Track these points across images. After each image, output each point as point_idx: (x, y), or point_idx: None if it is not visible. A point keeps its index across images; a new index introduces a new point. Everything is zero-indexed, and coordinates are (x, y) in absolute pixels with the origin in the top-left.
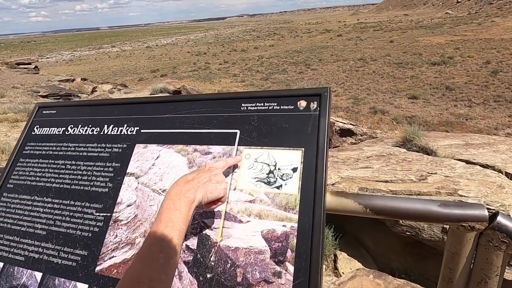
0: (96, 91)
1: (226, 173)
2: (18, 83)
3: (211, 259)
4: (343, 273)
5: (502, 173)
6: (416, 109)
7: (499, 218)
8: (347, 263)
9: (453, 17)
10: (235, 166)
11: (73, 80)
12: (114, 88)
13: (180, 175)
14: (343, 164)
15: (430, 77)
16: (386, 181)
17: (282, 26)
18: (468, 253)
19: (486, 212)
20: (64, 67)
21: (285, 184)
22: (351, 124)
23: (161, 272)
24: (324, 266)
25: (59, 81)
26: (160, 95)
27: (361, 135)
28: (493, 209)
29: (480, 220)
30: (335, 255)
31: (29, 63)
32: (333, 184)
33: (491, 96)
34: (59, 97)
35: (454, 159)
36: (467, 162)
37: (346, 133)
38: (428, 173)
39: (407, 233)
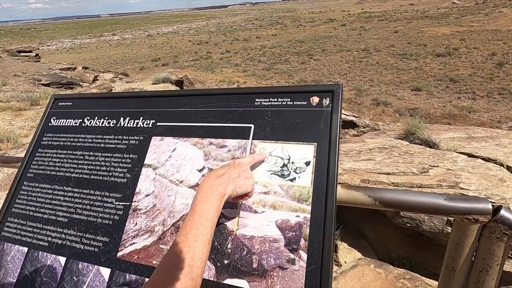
0: (98, 80)
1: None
2: (19, 71)
3: (228, 247)
4: (345, 262)
5: (504, 167)
6: (419, 101)
7: (502, 212)
8: (348, 253)
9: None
10: (260, 162)
11: (75, 68)
12: (116, 77)
13: (196, 167)
14: (345, 156)
15: (434, 69)
16: (388, 174)
17: (285, 15)
18: (471, 244)
19: (490, 206)
20: (65, 55)
21: (299, 177)
22: (353, 116)
23: (196, 259)
24: None
25: (60, 69)
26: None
27: (364, 127)
28: (493, 202)
29: (484, 213)
30: (336, 245)
31: (30, 51)
32: None
33: (496, 88)
34: (61, 85)
35: (456, 152)
36: (469, 155)
37: (348, 125)
38: (430, 166)
39: (408, 224)
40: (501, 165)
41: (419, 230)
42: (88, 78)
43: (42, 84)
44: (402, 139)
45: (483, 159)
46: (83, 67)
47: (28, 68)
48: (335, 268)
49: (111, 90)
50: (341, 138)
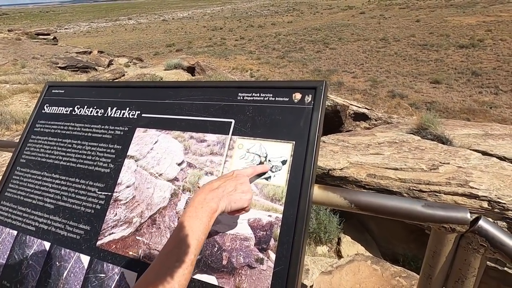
0: (113, 64)
1: (219, 162)
2: (38, 54)
3: None
4: (348, 255)
5: None
6: (438, 95)
7: (481, 223)
8: (350, 246)
9: None
10: (262, 174)
11: (90, 52)
12: (130, 62)
13: (176, 161)
14: (353, 149)
15: (456, 61)
16: (396, 169)
17: (302, 1)
18: (448, 253)
19: (468, 216)
20: (82, 38)
21: (274, 176)
22: (365, 108)
23: (175, 282)
24: (327, 248)
25: (76, 53)
26: (185, 75)
27: (376, 120)
28: (504, 203)
29: (462, 222)
30: (339, 238)
31: (48, 34)
32: (341, 169)
33: None
34: (77, 69)
35: (470, 149)
36: (484, 153)
37: (360, 117)
38: (441, 162)
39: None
40: None
41: (423, 227)
42: (103, 62)
43: (59, 67)
44: (414, 134)
45: (498, 157)
46: (98, 51)
47: (46, 51)
48: (333, 261)
49: (124, 74)
50: (350, 131)
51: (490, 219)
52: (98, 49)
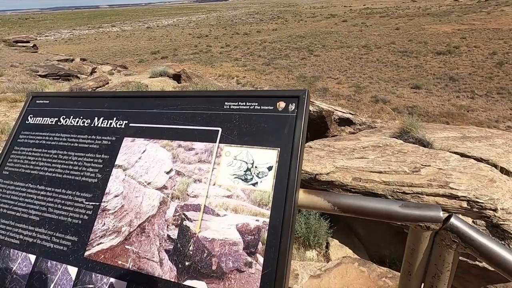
0: (96, 72)
1: (207, 169)
2: (16, 62)
3: (190, 249)
4: (337, 258)
5: (496, 167)
6: (418, 99)
7: (452, 220)
8: (339, 250)
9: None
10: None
11: (72, 60)
12: (114, 70)
13: (164, 169)
14: (339, 154)
15: (434, 67)
16: (380, 172)
17: (286, 9)
18: (425, 250)
19: (441, 214)
20: (63, 46)
21: (261, 181)
22: (350, 113)
23: None
24: (316, 252)
25: (58, 60)
26: (171, 82)
27: (360, 125)
28: (482, 203)
29: (435, 221)
30: (327, 242)
31: (28, 41)
32: (327, 174)
33: (495, 88)
34: (58, 77)
35: (450, 151)
36: (462, 155)
37: (344, 122)
38: (422, 165)
39: (398, 223)
40: (493, 165)
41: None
42: (86, 70)
43: (39, 75)
44: (397, 137)
45: (476, 159)
46: (81, 59)
47: (25, 59)
48: (322, 264)
49: (108, 82)
50: (337, 135)
51: (460, 216)
52: (81, 56)
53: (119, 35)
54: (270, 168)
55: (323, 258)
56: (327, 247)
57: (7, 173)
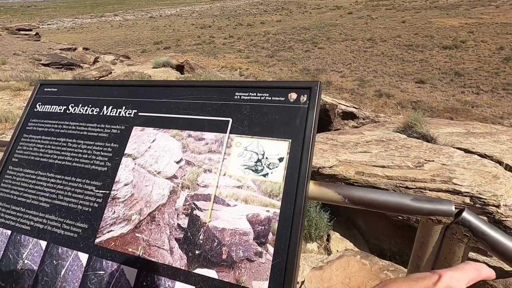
0: (98, 61)
1: (217, 159)
2: (19, 50)
3: (200, 238)
4: (337, 251)
5: (500, 164)
6: (422, 94)
7: (464, 214)
8: (339, 243)
9: None
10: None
11: (75, 49)
12: (117, 59)
13: (174, 159)
14: (342, 148)
15: (440, 62)
16: (383, 167)
17: (290, 0)
18: (435, 244)
19: (453, 208)
20: (66, 35)
21: (271, 172)
22: (353, 107)
23: None
24: (316, 245)
25: (60, 49)
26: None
27: (363, 119)
28: (485, 199)
29: (447, 214)
30: (328, 235)
31: (30, 30)
32: (330, 167)
33: (501, 84)
34: (61, 66)
35: (453, 147)
36: (466, 151)
37: (348, 116)
38: (426, 160)
39: (399, 217)
40: (497, 161)
41: (410, 223)
42: (89, 60)
43: (42, 64)
44: (401, 132)
45: (480, 155)
46: (83, 48)
47: (28, 47)
48: (323, 257)
49: (111, 72)
50: (340, 129)
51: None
52: (83, 46)
53: (121, 24)
54: (281, 159)
55: (324, 250)
56: (328, 240)
57: (17, 160)
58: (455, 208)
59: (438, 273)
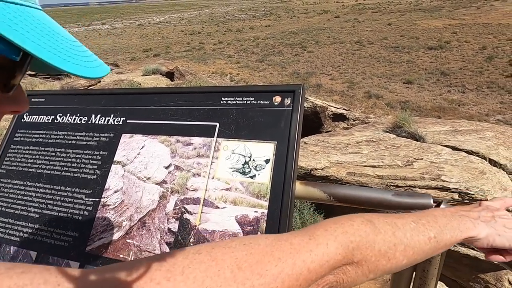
0: None
1: (205, 163)
2: None
3: (190, 241)
4: None
5: (486, 160)
6: (410, 94)
7: (442, 207)
8: None
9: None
10: None
11: None
12: None
13: (163, 164)
14: (333, 149)
15: (426, 62)
16: (374, 166)
17: (279, 5)
18: None
19: (431, 201)
20: None
21: (258, 174)
22: (344, 109)
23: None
24: None
25: None
26: (164, 80)
27: (353, 120)
28: (472, 194)
29: (426, 208)
30: None
31: None
32: (322, 169)
33: (485, 82)
34: (48, 76)
35: (441, 145)
36: (453, 148)
37: (339, 117)
38: (415, 158)
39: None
40: (483, 158)
41: None
42: None
43: (29, 74)
44: (390, 132)
45: (467, 152)
46: None
47: None
48: None
49: (100, 81)
50: (331, 131)
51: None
52: None
53: (110, 32)
54: (267, 161)
55: None
56: None
57: (4, 171)
58: (433, 201)
59: (478, 202)
